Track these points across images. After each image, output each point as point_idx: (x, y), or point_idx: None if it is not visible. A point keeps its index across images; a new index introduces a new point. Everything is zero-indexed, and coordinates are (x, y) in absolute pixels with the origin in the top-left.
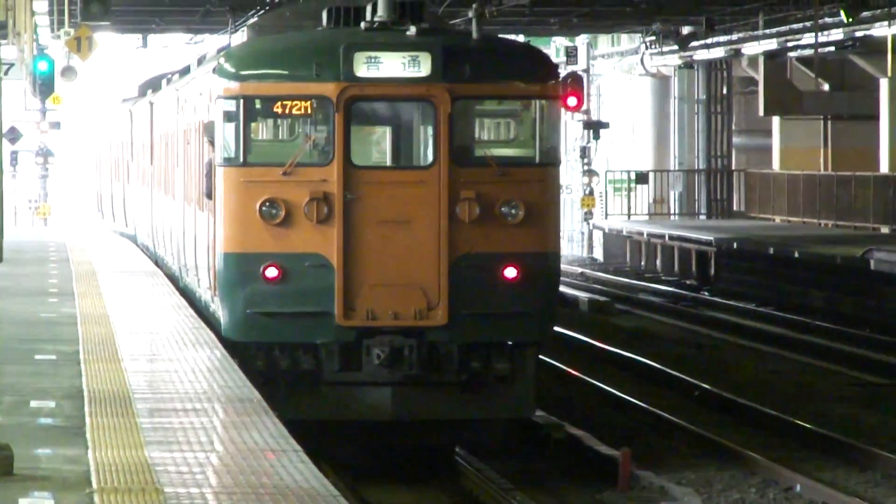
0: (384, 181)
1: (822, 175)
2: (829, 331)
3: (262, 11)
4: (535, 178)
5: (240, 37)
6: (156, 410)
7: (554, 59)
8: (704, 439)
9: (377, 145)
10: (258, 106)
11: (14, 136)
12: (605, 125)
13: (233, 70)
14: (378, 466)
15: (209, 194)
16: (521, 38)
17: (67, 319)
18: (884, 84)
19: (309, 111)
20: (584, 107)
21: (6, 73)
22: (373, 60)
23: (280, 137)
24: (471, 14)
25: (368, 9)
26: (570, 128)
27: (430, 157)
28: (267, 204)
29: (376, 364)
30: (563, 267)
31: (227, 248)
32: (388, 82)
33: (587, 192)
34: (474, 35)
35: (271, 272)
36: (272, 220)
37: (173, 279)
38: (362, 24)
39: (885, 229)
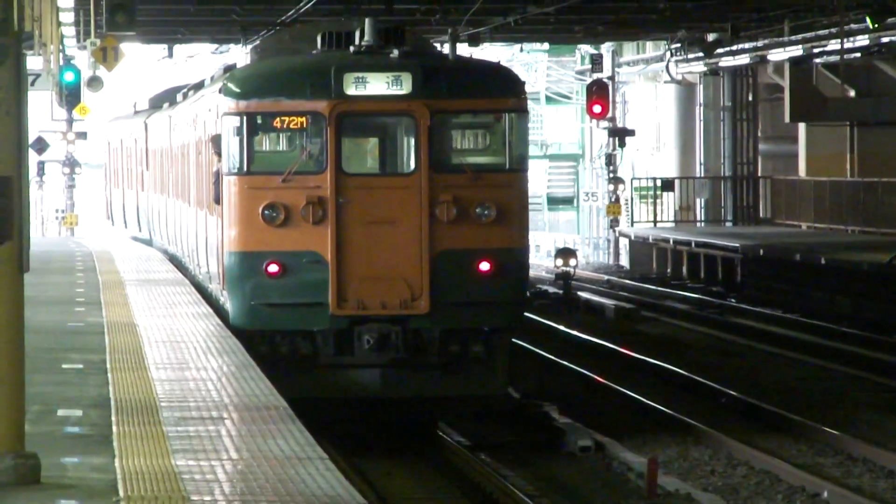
0: (372, 186)
1: (849, 181)
2: (856, 337)
3: (270, 30)
4: (506, 183)
5: (244, 58)
6: (182, 419)
7: (579, 67)
8: (731, 446)
9: (365, 155)
10: (259, 122)
11: (41, 146)
12: (631, 133)
13: (237, 90)
14: (368, 438)
15: (217, 200)
16: (545, 46)
17: (94, 328)
18: None
19: (304, 125)
20: (610, 114)
21: (33, 84)
22: (360, 80)
23: (279, 149)
24: (446, 38)
25: (357, 34)
26: (596, 135)
27: (413, 165)
28: (268, 208)
29: (366, 348)
30: (590, 274)
31: (233, 247)
32: (374, 99)
33: (613, 199)
34: (450, 56)
35: (272, 268)
36: (273, 222)
37: (190, 278)
38: (351, 48)
39: None
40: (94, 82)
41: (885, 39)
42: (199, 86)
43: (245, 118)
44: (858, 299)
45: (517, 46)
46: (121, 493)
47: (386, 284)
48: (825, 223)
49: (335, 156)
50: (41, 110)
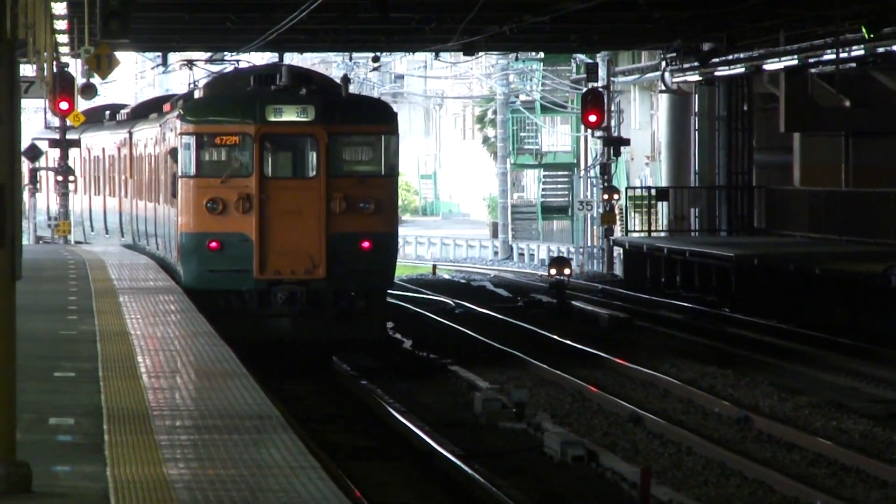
0: (285, 186)
1: (844, 191)
2: (850, 347)
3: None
4: (382, 185)
5: (197, 93)
6: (174, 427)
7: (574, 76)
8: (725, 456)
9: (281, 164)
10: (205, 139)
11: (34, 153)
12: (626, 142)
13: (190, 116)
14: (282, 368)
15: (175, 194)
16: (540, 55)
17: (86, 337)
18: None
19: (237, 142)
20: (604, 123)
21: (26, 92)
22: (278, 110)
23: (219, 159)
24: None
25: (278, 76)
26: (591, 144)
27: (314, 171)
28: (210, 201)
29: (280, 303)
30: (584, 283)
31: (185, 229)
32: (287, 124)
33: (607, 208)
34: (343, 93)
35: (213, 244)
36: (214, 211)
37: (146, 251)
38: (273, 87)
39: None
40: (88, 90)
41: (880, 49)
42: (148, 106)
43: (195, 137)
44: (854, 309)
45: (511, 55)
46: (112, 501)
47: (294, 257)
48: (820, 233)
49: (259, 164)
50: (35, 117)
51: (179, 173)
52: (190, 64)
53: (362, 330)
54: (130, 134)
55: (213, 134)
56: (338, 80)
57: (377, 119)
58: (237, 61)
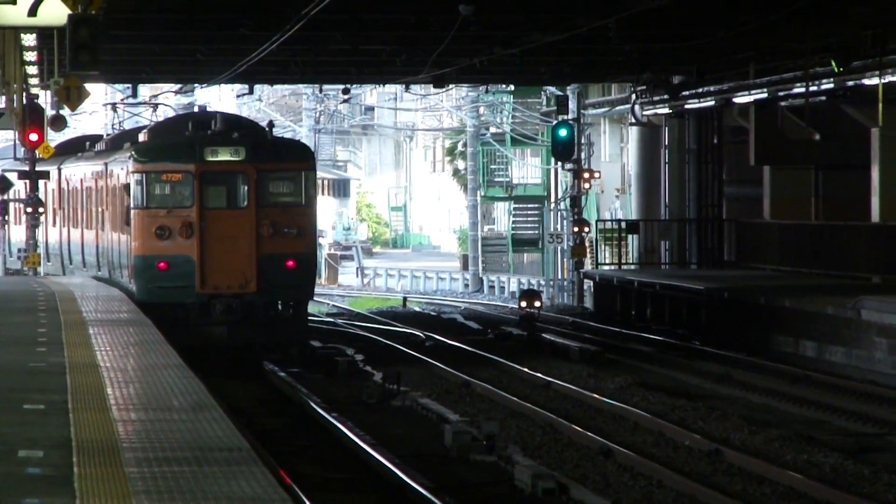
0: (222, 215)
1: (813, 224)
2: (819, 381)
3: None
4: (303, 213)
5: (143, 136)
6: (144, 460)
7: (544, 109)
8: (695, 489)
9: (217, 196)
10: (153, 176)
11: (4, 185)
12: (596, 175)
13: (139, 157)
14: (221, 369)
15: (128, 223)
16: (510, 88)
17: (56, 369)
18: (875, 133)
19: (180, 179)
20: (574, 156)
21: None
22: (214, 151)
23: (166, 193)
24: (266, 125)
25: (213, 122)
26: (561, 177)
27: (246, 202)
28: (159, 229)
29: (218, 313)
30: (554, 316)
31: (137, 252)
32: (222, 163)
33: (577, 241)
34: (269, 136)
35: (161, 265)
36: (161, 237)
37: (98, 274)
38: (209, 131)
39: (875, 279)
40: (58, 121)
41: (849, 83)
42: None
43: (144, 175)
44: (822, 343)
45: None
46: None
47: (230, 274)
48: (790, 266)
49: (199, 197)
50: (4, 149)
51: (132, 205)
52: (114, 106)
53: (288, 335)
54: (59, 170)
55: (160, 172)
56: (264, 125)
57: (298, 157)
58: (156, 104)
